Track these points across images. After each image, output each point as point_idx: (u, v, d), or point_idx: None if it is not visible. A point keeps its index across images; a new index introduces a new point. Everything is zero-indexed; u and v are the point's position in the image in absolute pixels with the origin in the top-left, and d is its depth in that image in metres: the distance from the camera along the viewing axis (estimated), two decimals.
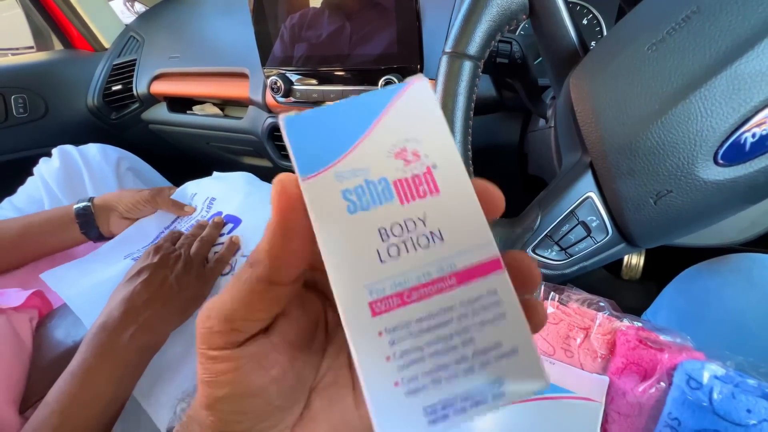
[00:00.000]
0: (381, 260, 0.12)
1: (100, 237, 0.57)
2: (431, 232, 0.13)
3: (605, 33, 0.51)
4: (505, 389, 0.12)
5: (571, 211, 0.29)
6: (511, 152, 0.58)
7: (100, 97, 0.91)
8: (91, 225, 0.56)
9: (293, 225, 0.13)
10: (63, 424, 0.35)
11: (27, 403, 0.41)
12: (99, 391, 0.37)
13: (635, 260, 0.74)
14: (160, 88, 0.87)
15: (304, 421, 0.16)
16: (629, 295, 0.93)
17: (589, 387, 0.22)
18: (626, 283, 0.92)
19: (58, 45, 0.99)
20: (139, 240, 0.59)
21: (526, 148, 0.56)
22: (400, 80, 0.53)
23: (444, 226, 0.13)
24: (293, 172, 0.13)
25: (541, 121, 0.48)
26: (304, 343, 0.16)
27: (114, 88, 0.91)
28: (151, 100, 0.90)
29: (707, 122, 0.24)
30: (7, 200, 0.67)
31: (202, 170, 0.75)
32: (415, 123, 0.13)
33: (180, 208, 0.59)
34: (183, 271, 0.45)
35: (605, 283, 0.79)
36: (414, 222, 0.13)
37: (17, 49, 1.00)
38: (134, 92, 0.89)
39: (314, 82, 0.60)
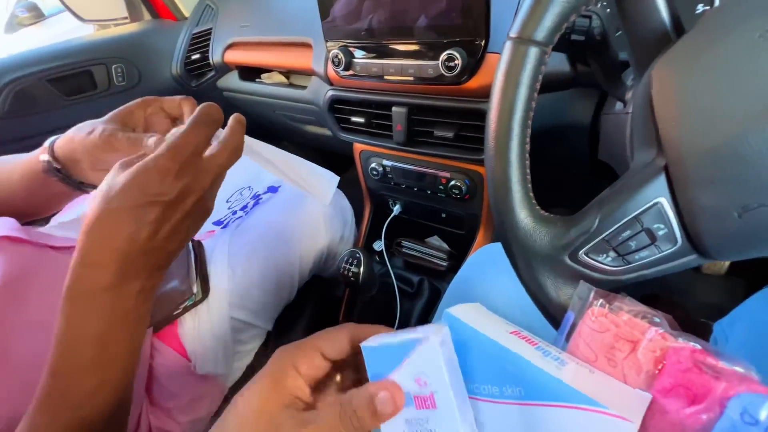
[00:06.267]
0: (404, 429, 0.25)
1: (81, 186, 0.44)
2: (429, 429, 0.24)
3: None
4: None
5: (635, 217, 0.26)
6: (582, 133, 0.53)
7: (182, 66, 0.99)
8: (68, 178, 0.43)
9: None
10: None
11: None
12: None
13: None
14: (233, 57, 0.91)
15: None
16: (710, 290, 0.84)
17: (627, 403, 0.22)
18: (708, 277, 0.83)
19: (146, 15, 1.07)
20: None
21: (599, 130, 0.51)
22: (462, 56, 0.50)
23: (436, 428, 0.24)
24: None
25: (618, 104, 0.43)
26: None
27: (193, 57, 0.98)
28: (225, 68, 0.96)
29: None
30: None
31: (270, 137, 0.80)
32: (427, 365, 0.24)
33: (137, 144, 0.40)
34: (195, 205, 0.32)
35: (682, 275, 0.72)
36: (421, 421, 0.24)
37: (114, 19, 1.11)
38: (210, 61, 0.95)
39: (374, 55, 0.59)
